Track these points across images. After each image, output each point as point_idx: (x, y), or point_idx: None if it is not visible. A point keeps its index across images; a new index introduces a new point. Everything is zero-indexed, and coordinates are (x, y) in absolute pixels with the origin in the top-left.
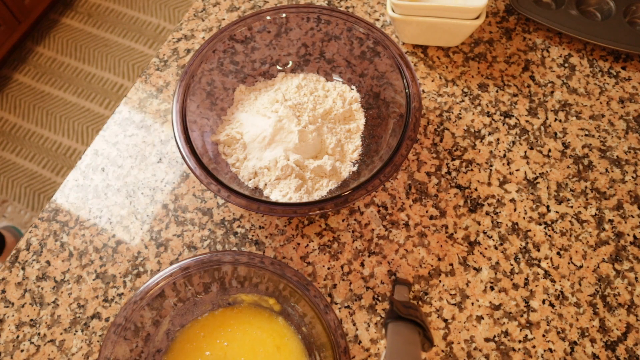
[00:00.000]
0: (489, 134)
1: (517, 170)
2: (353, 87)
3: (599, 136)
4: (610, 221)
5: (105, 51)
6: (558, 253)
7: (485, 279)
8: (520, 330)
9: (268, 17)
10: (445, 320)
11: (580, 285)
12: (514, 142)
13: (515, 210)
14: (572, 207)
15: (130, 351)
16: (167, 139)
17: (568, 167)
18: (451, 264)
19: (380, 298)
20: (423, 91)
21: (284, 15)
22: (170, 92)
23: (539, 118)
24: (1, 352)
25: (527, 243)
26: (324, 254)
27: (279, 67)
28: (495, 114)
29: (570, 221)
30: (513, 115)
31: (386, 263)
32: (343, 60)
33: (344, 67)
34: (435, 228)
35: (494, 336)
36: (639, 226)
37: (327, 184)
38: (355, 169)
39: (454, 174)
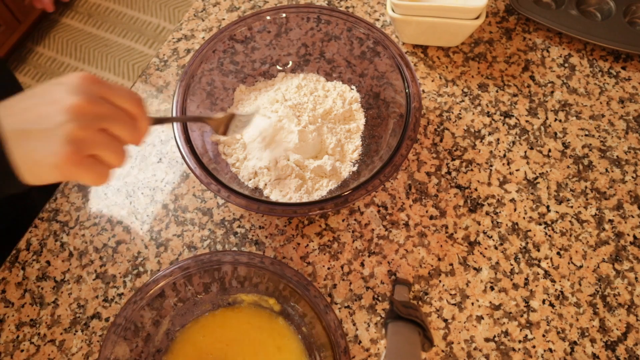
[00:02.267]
0: (489, 134)
1: (517, 170)
2: (353, 87)
3: (599, 136)
4: (610, 221)
5: (105, 51)
6: (558, 253)
7: (485, 279)
8: (520, 330)
9: (268, 17)
10: (445, 320)
11: (580, 285)
12: (514, 142)
13: (515, 210)
14: (572, 207)
15: (130, 351)
16: (167, 139)
17: (568, 167)
18: (451, 264)
19: (380, 298)
20: (423, 91)
21: (284, 15)
22: (170, 92)
23: (539, 118)
24: (1, 352)
25: (527, 243)
26: (324, 254)
27: (279, 67)
28: (495, 114)
29: (570, 221)
30: (513, 115)
31: (386, 263)
32: (343, 60)
33: (344, 67)
34: (435, 228)
35: (494, 336)
36: (639, 226)
37: (327, 184)
38: (355, 169)
39: (454, 174)
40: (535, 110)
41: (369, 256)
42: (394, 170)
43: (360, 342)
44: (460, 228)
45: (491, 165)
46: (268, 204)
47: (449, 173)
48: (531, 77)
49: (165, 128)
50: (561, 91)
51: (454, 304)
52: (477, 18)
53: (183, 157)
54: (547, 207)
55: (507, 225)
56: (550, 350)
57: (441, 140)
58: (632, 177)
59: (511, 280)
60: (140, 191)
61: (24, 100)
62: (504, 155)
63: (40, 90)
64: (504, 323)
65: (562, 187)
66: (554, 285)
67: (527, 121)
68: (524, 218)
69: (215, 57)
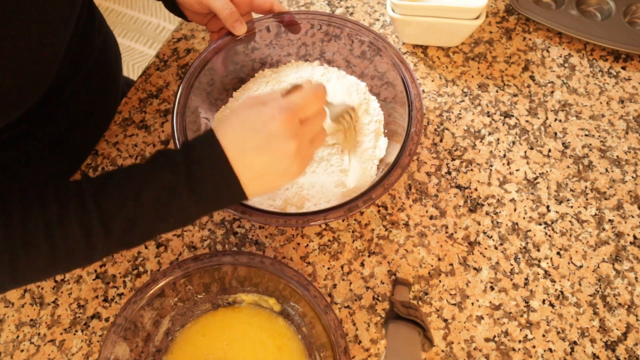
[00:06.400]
0: (489, 134)
1: (517, 170)
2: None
3: (599, 136)
4: (610, 221)
5: None
6: (558, 253)
7: (485, 279)
8: (520, 330)
9: (268, 24)
10: (445, 320)
11: (580, 285)
12: (514, 142)
13: (515, 210)
14: (572, 207)
15: (130, 351)
16: (167, 139)
17: (568, 167)
18: (451, 264)
19: (380, 298)
20: (423, 91)
21: (285, 21)
22: (170, 92)
23: (539, 118)
24: (1, 352)
25: (527, 243)
26: (324, 254)
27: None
28: (495, 114)
29: (570, 221)
30: (513, 115)
31: (386, 263)
32: (343, 60)
33: (344, 67)
34: (435, 228)
35: (494, 336)
36: (639, 226)
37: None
38: None
39: (454, 174)
40: (535, 110)
41: (369, 256)
42: (400, 174)
43: (360, 342)
44: (460, 228)
45: (491, 165)
46: (282, 216)
47: (449, 173)
48: (531, 77)
49: (165, 128)
50: (561, 91)
51: (454, 304)
52: (477, 18)
53: None
54: (547, 207)
55: (507, 225)
56: (550, 350)
57: (441, 140)
58: (632, 177)
59: (511, 280)
60: None
61: (249, 152)
62: (504, 155)
63: (259, 140)
64: (504, 323)
65: (562, 187)
66: (554, 285)
67: (527, 121)
68: (524, 218)
69: (218, 58)
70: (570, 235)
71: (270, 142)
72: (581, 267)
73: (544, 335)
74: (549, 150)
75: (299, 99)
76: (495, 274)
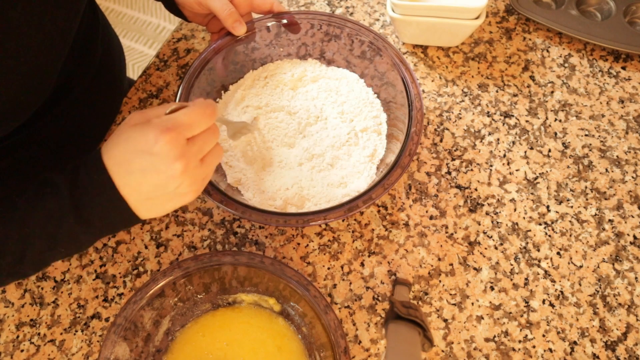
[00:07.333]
0: (489, 134)
1: (517, 170)
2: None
3: (599, 136)
4: (610, 221)
5: None
6: (558, 253)
7: (485, 279)
8: (520, 330)
9: (269, 24)
10: (445, 320)
11: (580, 285)
12: (514, 142)
13: (515, 210)
14: (572, 207)
15: (130, 351)
16: None
17: (568, 167)
18: (451, 264)
19: (380, 298)
20: (423, 91)
21: (284, 21)
22: (170, 92)
23: (539, 118)
24: (1, 352)
25: (527, 243)
26: (324, 254)
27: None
28: (495, 114)
29: (570, 221)
30: (513, 115)
31: (386, 263)
32: (343, 60)
33: (344, 67)
34: (435, 228)
35: (494, 336)
36: (639, 226)
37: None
38: None
39: (454, 174)
40: (535, 110)
41: (369, 256)
42: (400, 174)
43: (360, 342)
44: (460, 228)
45: (491, 165)
46: (282, 216)
47: (449, 173)
48: (531, 77)
49: None
50: (561, 91)
51: (454, 304)
52: (477, 18)
53: None
54: (547, 207)
55: (507, 225)
56: (550, 350)
57: (441, 140)
58: (632, 177)
59: (511, 280)
60: None
61: (134, 174)
62: (504, 155)
63: (144, 162)
64: (504, 323)
65: (562, 187)
66: (554, 285)
67: (527, 121)
68: (524, 218)
69: (218, 58)
70: (570, 235)
71: (155, 164)
72: (581, 267)
73: (544, 335)
74: (549, 150)
75: (184, 117)
76: (495, 274)
